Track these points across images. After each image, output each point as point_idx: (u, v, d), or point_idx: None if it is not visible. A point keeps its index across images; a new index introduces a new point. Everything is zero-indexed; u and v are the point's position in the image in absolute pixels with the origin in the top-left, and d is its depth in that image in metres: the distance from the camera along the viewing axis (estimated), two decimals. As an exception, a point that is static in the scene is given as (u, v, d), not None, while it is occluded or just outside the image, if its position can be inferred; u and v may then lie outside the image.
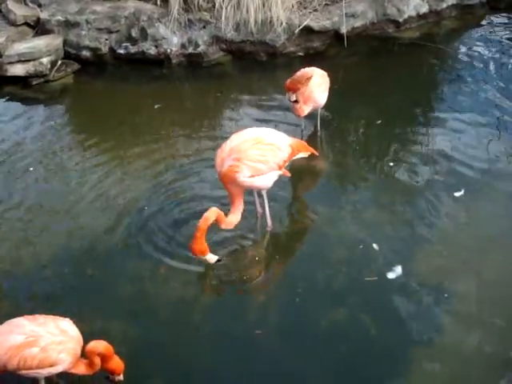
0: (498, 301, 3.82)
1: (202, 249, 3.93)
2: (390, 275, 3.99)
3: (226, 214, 4.11)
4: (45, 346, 3.10)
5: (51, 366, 3.14)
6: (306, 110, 5.09)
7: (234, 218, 4.15)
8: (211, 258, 4.01)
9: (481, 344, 3.54)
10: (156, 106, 6.09)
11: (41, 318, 3.21)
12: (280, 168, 4.20)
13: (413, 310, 3.77)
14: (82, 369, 3.27)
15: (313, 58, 6.25)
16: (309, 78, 4.93)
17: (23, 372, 3.15)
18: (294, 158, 4.32)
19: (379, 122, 5.55)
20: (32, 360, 3.09)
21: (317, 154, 4.49)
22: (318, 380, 3.42)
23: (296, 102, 5.00)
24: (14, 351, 3.08)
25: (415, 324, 3.69)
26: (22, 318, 3.21)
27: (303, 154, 4.39)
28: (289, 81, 4.94)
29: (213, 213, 3.93)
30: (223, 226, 4.10)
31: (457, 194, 4.62)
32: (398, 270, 4.02)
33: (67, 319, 3.26)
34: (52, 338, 3.12)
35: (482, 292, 3.86)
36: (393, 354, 3.54)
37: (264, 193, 4.31)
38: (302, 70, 5.03)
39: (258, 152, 4.05)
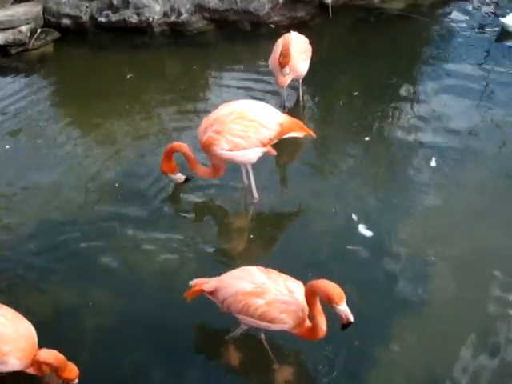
0: (479, 262, 3.89)
1: (171, 167, 4.29)
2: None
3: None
4: (270, 300, 3.10)
5: (270, 322, 3.14)
6: (288, 79, 4.93)
7: (205, 173, 4.29)
8: (180, 177, 4.37)
9: (465, 308, 3.61)
10: (128, 76, 6.01)
11: (273, 273, 3.20)
12: (264, 145, 4.08)
13: (396, 276, 3.81)
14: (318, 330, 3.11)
15: (297, 28, 6.18)
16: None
17: (241, 317, 3.18)
18: (285, 136, 4.16)
19: (360, 92, 5.54)
20: (255, 310, 3.10)
21: (314, 134, 4.33)
22: (302, 347, 3.46)
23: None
24: (241, 297, 3.12)
25: (400, 290, 3.73)
26: (256, 267, 3.22)
27: (297, 134, 4.22)
28: (281, 58, 4.67)
29: (182, 145, 4.15)
30: (190, 166, 4.23)
31: (433, 164, 4.66)
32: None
33: (298, 282, 3.19)
34: (278, 296, 3.11)
35: (463, 256, 3.92)
36: (377, 318, 3.57)
37: (249, 166, 4.26)
38: (281, 40, 4.83)
39: (239, 127, 3.97)
